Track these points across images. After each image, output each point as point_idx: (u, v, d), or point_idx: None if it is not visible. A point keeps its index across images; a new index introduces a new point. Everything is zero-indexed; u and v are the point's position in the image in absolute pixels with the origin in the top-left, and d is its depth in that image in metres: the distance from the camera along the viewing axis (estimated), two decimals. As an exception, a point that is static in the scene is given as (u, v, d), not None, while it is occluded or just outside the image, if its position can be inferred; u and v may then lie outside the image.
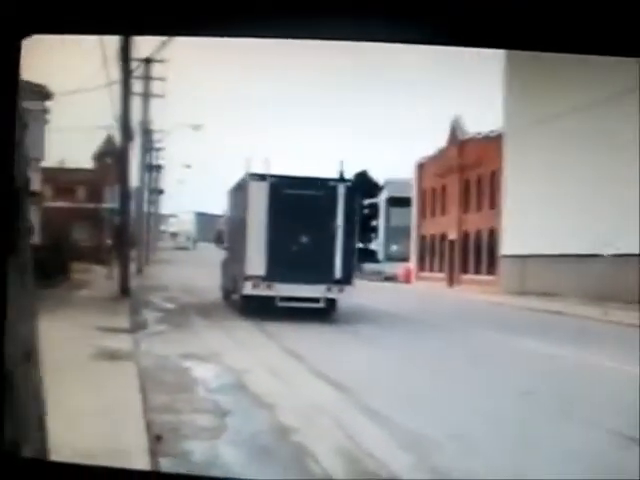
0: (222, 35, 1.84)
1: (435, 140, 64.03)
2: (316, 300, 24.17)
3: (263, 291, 24.15)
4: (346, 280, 24.67)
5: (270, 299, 24.08)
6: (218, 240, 32.54)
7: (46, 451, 2.09)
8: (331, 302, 24.69)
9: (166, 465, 7.71)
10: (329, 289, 24.32)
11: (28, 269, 1.87)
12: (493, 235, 52.67)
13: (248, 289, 24.34)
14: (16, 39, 1.73)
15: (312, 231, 24.54)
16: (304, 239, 24.48)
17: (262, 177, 24.73)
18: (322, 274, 24.06)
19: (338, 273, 24.55)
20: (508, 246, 48.89)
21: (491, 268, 52.62)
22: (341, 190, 24.77)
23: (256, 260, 24.28)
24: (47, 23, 1.72)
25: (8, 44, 1.80)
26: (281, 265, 23.92)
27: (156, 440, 8.43)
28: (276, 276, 23.95)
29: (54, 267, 31.40)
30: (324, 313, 24.24)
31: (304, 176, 25.54)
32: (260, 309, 23.79)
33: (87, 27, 1.78)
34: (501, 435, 10.08)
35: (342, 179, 25.82)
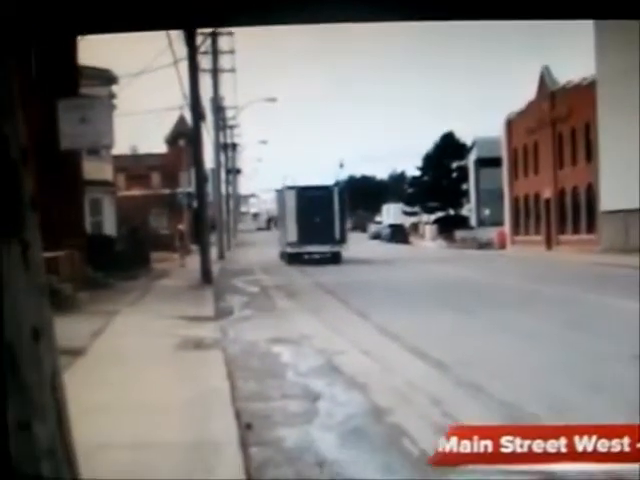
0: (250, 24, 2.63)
1: (524, 94, 61.61)
2: (325, 253, 42.87)
3: (297, 250, 42.69)
4: (342, 240, 43.51)
5: (301, 254, 42.70)
6: (275, 224, 52.21)
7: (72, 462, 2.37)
8: (336, 254, 42.72)
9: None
10: (332, 246, 42.93)
11: (33, 244, 1.76)
12: (591, 190, 50.10)
13: (289, 249, 42.94)
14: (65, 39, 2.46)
15: (320, 215, 42.54)
16: (317, 219, 42.37)
17: (292, 187, 44.94)
18: (328, 238, 42.64)
19: (337, 236, 43.11)
20: (608, 201, 46.50)
21: (591, 226, 50.13)
22: (335, 190, 44.44)
23: (292, 233, 42.85)
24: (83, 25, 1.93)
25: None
26: (305, 235, 42.28)
27: (246, 429, 8.20)
28: (303, 241, 42.52)
29: (133, 258, 31.57)
30: (331, 260, 41.78)
31: (314, 184, 45.47)
32: (296, 260, 41.58)
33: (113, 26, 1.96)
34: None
35: (336, 184, 47.41)
